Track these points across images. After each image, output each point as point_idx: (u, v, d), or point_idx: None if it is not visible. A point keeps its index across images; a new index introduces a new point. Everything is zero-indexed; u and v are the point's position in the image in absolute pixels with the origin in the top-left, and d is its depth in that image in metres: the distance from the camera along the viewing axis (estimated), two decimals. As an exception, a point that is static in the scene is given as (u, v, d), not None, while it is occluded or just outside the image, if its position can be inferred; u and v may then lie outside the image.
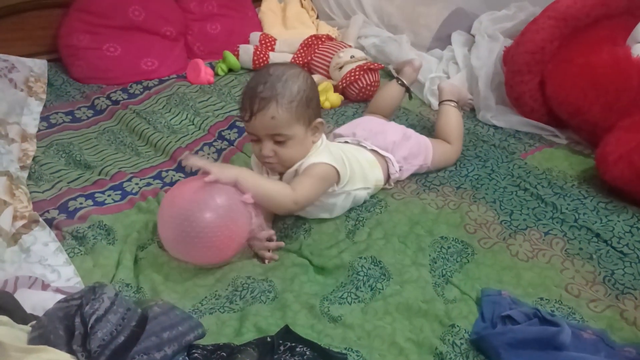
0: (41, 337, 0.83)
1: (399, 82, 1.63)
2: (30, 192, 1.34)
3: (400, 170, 1.39)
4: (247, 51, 2.09)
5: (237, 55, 2.09)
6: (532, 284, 1.12)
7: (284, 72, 1.16)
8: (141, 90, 1.94)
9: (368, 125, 1.47)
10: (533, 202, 1.35)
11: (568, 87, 1.54)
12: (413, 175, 1.44)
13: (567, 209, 1.32)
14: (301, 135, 1.17)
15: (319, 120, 1.21)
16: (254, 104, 1.13)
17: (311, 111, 1.18)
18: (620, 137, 1.36)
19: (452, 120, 1.54)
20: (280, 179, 1.24)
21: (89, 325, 0.82)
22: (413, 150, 1.42)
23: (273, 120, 1.13)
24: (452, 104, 1.56)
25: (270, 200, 1.15)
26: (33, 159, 1.50)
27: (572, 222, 1.28)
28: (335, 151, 1.25)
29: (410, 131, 1.48)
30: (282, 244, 1.21)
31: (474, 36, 1.96)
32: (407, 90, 1.65)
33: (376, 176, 1.35)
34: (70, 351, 0.81)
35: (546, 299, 1.08)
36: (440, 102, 1.59)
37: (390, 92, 1.65)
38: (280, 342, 0.92)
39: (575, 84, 1.53)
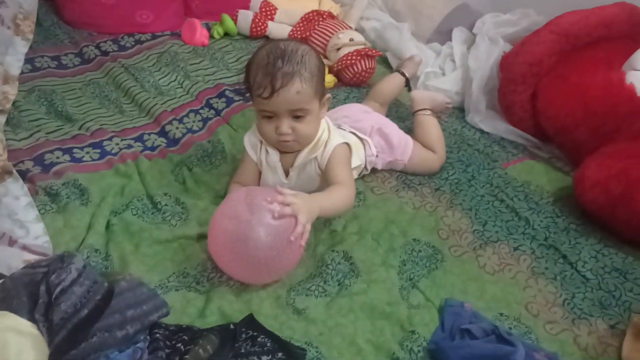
0: (3, 301, 0.82)
1: (400, 72, 1.74)
2: (7, 139, 1.31)
3: (377, 156, 1.39)
4: (246, 17, 2.04)
5: (235, 20, 2.04)
6: (495, 298, 1.15)
7: (297, 47, 1.13)
8: (132, 43, 1.88)
9: (350, 111, 1.48)
10: (507, 214, 1.37)
11: (558, 104, 1.55)
12: (393, 170, 1.44)
13: (539, 225, 1.34)
14: (317, 111, 1.17)
15: (328, 95, 1.21)
16: (276, 80, 1.09)
17: (323, 86, 1.18)
18: (601, 162, 1.37)
19: (430, 129, 1.52)
20: (289, 160, 1.23)
21: (54, 296, 0.82)
22: (391, 141, 1.41)
23: (298, 95, 1.10)
24: (427, 112, 1.55)
25: (343, 210, 1.20)
26: (13, 104, 1.45)
27: (542, 240, 1.30)
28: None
29: (393, 125, 1.47)
30: None
31: (475, 35, 1.95)
32: (407, 81, 1.75)
33: (360, 155, 1.36)
34: (32, 319, 0.81)
35: (506, 315, 1.11)
36: (414, 113, 1.56)
37: (391, 81, 1.72)
38: (243, 330, 0.94)
39: (565, 102, 1.53)
